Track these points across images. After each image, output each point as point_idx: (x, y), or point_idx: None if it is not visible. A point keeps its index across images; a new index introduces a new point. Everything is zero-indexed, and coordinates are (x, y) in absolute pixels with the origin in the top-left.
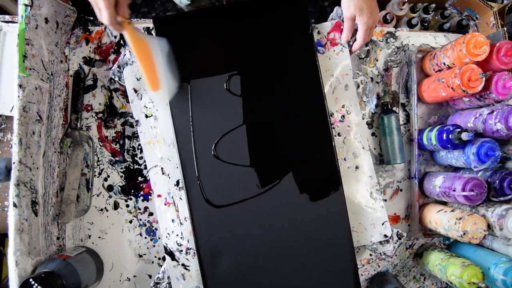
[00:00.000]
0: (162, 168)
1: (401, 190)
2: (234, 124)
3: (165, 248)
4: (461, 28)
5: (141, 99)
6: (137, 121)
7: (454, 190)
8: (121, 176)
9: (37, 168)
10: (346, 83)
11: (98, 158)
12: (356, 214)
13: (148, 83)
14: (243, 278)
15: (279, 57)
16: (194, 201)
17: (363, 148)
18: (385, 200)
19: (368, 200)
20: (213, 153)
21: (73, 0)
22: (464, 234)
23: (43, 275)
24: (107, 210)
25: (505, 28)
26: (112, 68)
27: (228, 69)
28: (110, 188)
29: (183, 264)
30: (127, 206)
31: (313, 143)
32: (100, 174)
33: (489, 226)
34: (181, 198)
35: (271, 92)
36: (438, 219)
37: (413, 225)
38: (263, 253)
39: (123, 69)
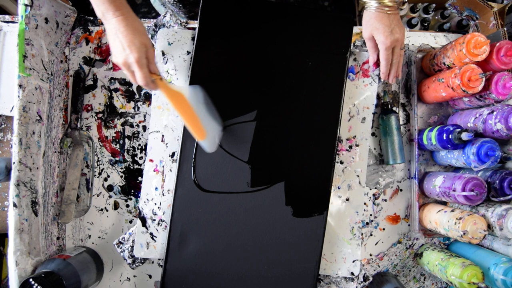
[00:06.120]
0: (163, 136)
1: (401, 190)
2: (245, 118)
3: (139, 212)
4: (461, 28)
5: (165, 63)
6: None
7: (454, 190)
8: (121, 176)
9: (37, 168)
10: (365, 116)
11: (98, 158)
12: (332, 243)
13: (194, 134)
14: (204, 266)
15: (308, 68)
16: (183, 177)
17: (360, 183)
18: (385, 200)
19: (348, 234)
20: None
21: (73, 0)
22: (464, 234)
23: (43, 275)
24: (107, 210)
25: (505, 28)
26: (148, 26)
27: (254, 64)
28: (110, 188)
29: (151, 233)
30: (127, 206)
31: (313, 161)
32: (100, 174)
33: (489, 226)
34: (171, 170)
35: (290, 99)
36: (438, 219)
37: (413, 225)
38: (230, 249)
39: (158, 29)
